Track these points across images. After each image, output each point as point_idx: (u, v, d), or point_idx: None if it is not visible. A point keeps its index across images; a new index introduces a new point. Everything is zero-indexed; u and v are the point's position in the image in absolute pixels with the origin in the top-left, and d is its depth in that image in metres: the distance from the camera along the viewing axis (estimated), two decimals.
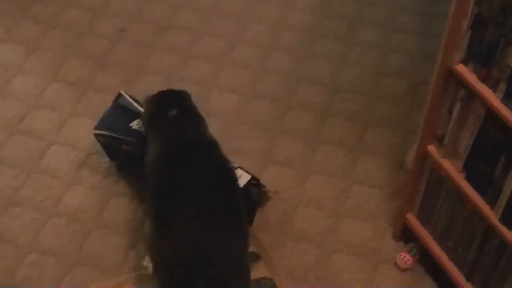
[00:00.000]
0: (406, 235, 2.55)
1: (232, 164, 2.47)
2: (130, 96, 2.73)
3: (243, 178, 2.52)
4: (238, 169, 2.55)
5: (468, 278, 2.30)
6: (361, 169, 2.85)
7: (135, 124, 2.61)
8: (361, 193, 2.77)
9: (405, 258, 2.50)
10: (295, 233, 2.62)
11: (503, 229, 2.07)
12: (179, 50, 3.31)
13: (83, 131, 2.92)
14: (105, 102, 2.80)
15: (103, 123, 2.69)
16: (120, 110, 2.71)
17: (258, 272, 2.48)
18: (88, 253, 2.54)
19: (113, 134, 2.62)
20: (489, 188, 2.09)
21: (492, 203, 2.09)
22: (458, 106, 2.10)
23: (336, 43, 3.37)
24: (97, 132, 2.68)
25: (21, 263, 2.50)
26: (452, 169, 2.21)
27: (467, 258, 2.27)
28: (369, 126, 3.01)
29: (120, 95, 2.75)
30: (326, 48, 3.34)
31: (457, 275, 2.33)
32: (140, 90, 2.89)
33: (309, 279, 2.50)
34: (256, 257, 2.52)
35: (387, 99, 3.12)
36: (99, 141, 2.71)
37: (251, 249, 2.50)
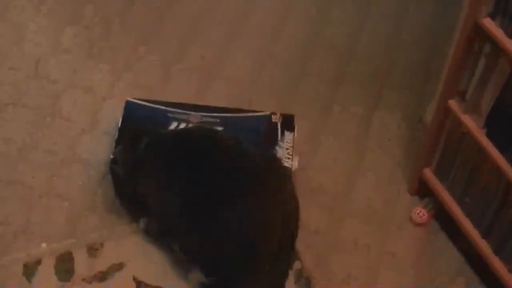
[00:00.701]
0: (422, 190, 2.53)
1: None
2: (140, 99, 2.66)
3: None
4: None
5: (484, 235, 2.29)
6: (378, 124, 2.83)
7: None
8: (378, 148, 2.75)
9: (421, 213, 2.49)
10: (308, 191, 2.59)
11: None
12: (194, 16, 3.24)
13: (99, 75, 2.90)
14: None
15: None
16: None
17: None
18: (100, 200, 2.52)
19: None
20: (510, 146, 2.07)
21: None
22: (482, 61, 2.08)
23: (353, 7, 3.32)
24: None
25: (34, 206, 2.49)
26: (473, 125, 2.19)
27: (484, 216, 2.26)
28: (383, 89, 2.97)
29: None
30: (342, 15, 3.29)
31: (473, 232, 2.32)
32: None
33: (322, 238, 2.48)
34: None
35: (403, 67, 3.07)
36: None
37: None
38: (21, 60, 2.95)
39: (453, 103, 2.24)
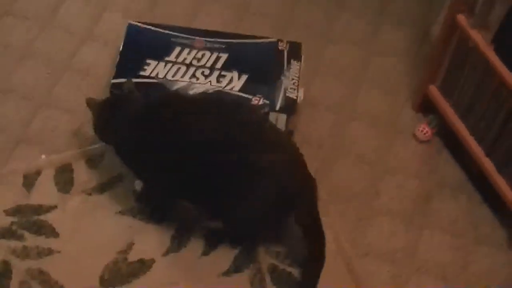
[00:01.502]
0: (426, 107, 2.52)
1: None
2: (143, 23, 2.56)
3: None
4: None
5: (488, 153, 2.28)
6: (383, 38, 2.80)
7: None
8: (382, 63, 2.72)
9: (424, 129, 2.48)
10: (314, 101, 2.58)
11: None
12: None
13: None
14: None
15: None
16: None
17: None
18: None
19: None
20: None
21: None
22: None
23: None
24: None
25: (34, 116, 2.46)
26: (481, 40, 2.17)
27: (489, 133, 2.25)
28: None
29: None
30: None
31: (477, 150, 2.31)
32: None
33: (325, 146, 2.48)
34: None
35: None
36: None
37: None
38: None
39: (461, 18, 2.22)
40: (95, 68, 2.60)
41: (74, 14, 2.76)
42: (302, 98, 2.41)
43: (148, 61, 2.41)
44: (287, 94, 2.36)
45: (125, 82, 2.28)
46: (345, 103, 2.59)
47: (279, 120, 2.33)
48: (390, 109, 2.58)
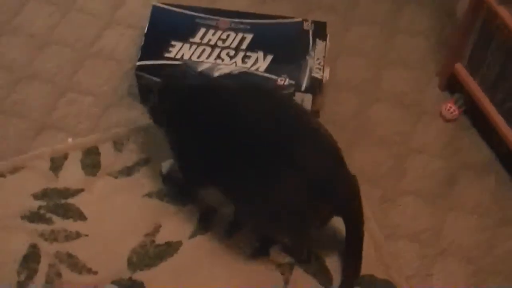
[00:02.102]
0: (452, 86, 2.50)
1: None
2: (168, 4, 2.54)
3: None
4: None
5: None
6: (408, 17, 2.77)
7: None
8: (407, 42, 2.70)
9: (451, 108, 2.46)
10: (338, 82, 2.56)
11: None
12: None
13: None
14: None
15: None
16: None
17: None
18: (125, 94, 2.48)
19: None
20: None
21: None
22: None
23: None
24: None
25: (58, 101, 2.45)
26: (509, 16, 2.14)
27: None
28: None
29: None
30: None
31: (505, 128, 2.30)
32: None
33: (350, 126, 2.46)
34: None
35: None
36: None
37: None
38: None
39: None
40: (118, 52, 2.59)
41: None
42: (327, 78, 2.39)
43: (173, 42, 2.39)
44: (312, 74, 2.34)
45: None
46: (370, 83, 2.57)
47: (305, 100, 2.31)
48: (415, 89, 2.56)
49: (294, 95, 2.30)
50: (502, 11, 2.14)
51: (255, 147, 1.90)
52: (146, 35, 2.43)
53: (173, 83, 2.14)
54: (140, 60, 2.35)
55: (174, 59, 2.36)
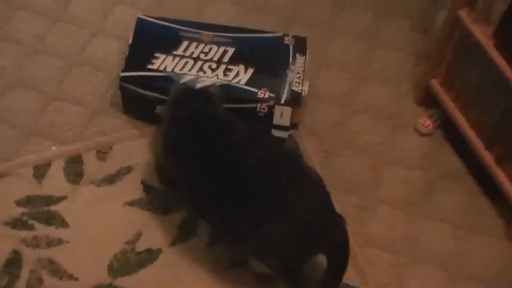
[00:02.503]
0: (428, 101, 2.52)
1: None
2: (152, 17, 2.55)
3: None
4: None
5: (487, 146, 2.29)
6: (387, 32, 2.79)
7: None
8: (385, 57, 2.71)
9: (426, 123, 2.47)
10: (318, 94, 2.57)
11: None
12: None
13: None
14: None
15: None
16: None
17: None
18: (112, 102, 2.49)
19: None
20: None
21: None
22: None
23: None
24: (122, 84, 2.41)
25: (45, 109, 2.46)
26: (483, 35, 2.17)
27: (488, 127, 2.26)
28: None
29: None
30: None
31: (477, 143, 2.32)
32: None
33: (329, 138, 2.47)
34: None
35: None
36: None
37: None
38: None
39: (463, 13, 2.22)
40: (105, 62, 2.59)
41: (85, 8, 2.75)
42: (307, 92, 2.40)
43: (156, 54, 2.40)
44: (292, 88, 2.35)
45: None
46: (349, 96, 2.59)
47: (284, 113, 2.32)
48: (393, 102, 2.58)
49: (273, 107, 2.31)
50: (476, 29, 2.17)
51: (248, 189, 1.92)
52: (130, 46, 2.43)
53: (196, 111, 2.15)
54: (124, 71, 2.36)
55: (157, 70, 2.36)
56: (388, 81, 2.63)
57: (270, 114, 2.33)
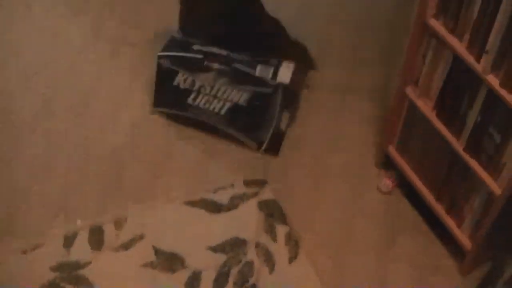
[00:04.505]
0: (387, 164, 2.54)
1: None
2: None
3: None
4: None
5: (438, 198, 2.32)
6: (350, 110, 2.82)
7: (195, 47, 2.61)
8: (351, 130, 2.74)
9: (386, 183, 2.51)
10: (294, 163, 2.61)
11: (467, 157, 2.09)
12: None
13: (120, 77, 2.91)
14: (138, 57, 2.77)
15: (167, 49, 2.65)
16: (177, 42, 2.66)
17: (265, 195, 2.51)
18: (125, 182, 2.55)
19: (178, 54, 2.59)
20: (455, 123, 2.10)
21: (457, 135, 2.10)
22: (430, 53, 2.10)
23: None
24: (163, 54, 2.62)
25: (70, 190, 2.52)
26: (426, 107, 2.21)
27: (437, 182, 2.29)
28: (356, 70, 2.97)
29: (174, 34, 2.70)
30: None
31: (429, 196, 2.35)
32: None
33: (305, 200, 2.51)
34: (264, 182, 2.54)
35: (372, 49, 3.08)
36: (159, 66, 2.64)
37: (259, 176, 2.53)
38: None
39: (409, 89, 2.25)
40: (117, 148, 2.66)
41: (101, 105, 2.82)
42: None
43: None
44: None
45: None
46: (320, 164, 2.62)
47: None
48: (358, 167, 2.61)
49: None
50: (420, 103, 2.21)
51: None
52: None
53: None
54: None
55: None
56: (353, 150, 2.66)
57: None
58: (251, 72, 2.52)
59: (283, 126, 2.58)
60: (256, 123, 2.58)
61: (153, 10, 3.22)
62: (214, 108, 2.61)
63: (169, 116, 2.73)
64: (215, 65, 2.55)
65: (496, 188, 1.99)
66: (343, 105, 2.84)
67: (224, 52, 2.57)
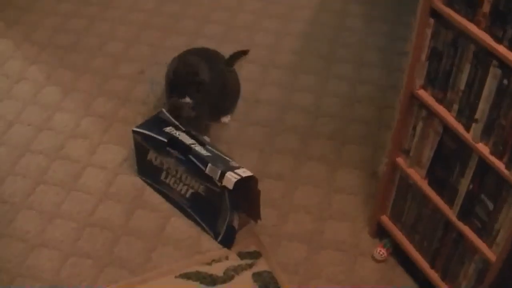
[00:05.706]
0: (380, 232, 2.54)
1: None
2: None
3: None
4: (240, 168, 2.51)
5: (432, 266, 2.30)
6: (341, 179, 2.83)
7: (168, 129, 2.62)
8: (341, 200, 2.75)
9: (381, 251, 2.49)
10: (288, 235, 2.61)
11: (460, 224, 2.08)
12: None
13: (111, 155, 2.92)
14: (128, 132, 2.79)
15: (142, 126, 2.69)
16: (158, 120, 2.69)
17: (259, 266, 2.47)
18: (118, 256, 2.53)
19: (147, 133, 2.62)
20: (447, 191, 2.10)
21: (450, 203, 2.10)
22: (420, 124, 2.12)
23: (315, 77, 3.36)
24: (136, 130, 2.68)
25: (63, 264, 2.49)
26: (417, 176, 2.22)
27: (430, 249, 2.27)
28: (345, 144, 2.99)
29: (161, 111, 2.73)
30: (308, 81, 3.34)
31: (423, 264, 2.33)
32: None
33: (300, 271, 2.49)
34: (258, 254, 2.50)
35: (359, 122, 3.11)
36: (134, 139, 2.71)
37: (253, 247, 2.50)
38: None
39: (399, 160, 2.27)
40: (110, 221, 2.65)
41: (93, 178, 2.83)
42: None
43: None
44: None
45: None
46: (314, 234, 2.61)
47: None
48: (352, 237, 2.60)
49: None
50: (412, 172, 2.23)
51: None
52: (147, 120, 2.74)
53: None
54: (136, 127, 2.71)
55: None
56: (346, 219, 2.65)
57: None
58: (203, 167, 2.48)
59: (235, 224, 2.52)
60: (213, 214, 2.52)
61: None
62: (181, 190, 2.59)
63: (152, 187, 2.73)
64: (175, 153, 2.55)
65: (491, 255, 1.98)
66: (333, 177, 2.84)
67: (188, 140, 2.58)
